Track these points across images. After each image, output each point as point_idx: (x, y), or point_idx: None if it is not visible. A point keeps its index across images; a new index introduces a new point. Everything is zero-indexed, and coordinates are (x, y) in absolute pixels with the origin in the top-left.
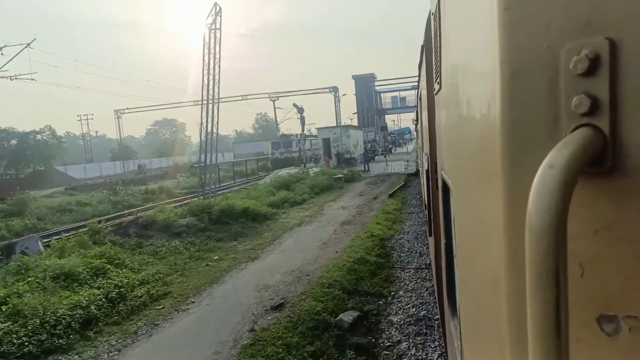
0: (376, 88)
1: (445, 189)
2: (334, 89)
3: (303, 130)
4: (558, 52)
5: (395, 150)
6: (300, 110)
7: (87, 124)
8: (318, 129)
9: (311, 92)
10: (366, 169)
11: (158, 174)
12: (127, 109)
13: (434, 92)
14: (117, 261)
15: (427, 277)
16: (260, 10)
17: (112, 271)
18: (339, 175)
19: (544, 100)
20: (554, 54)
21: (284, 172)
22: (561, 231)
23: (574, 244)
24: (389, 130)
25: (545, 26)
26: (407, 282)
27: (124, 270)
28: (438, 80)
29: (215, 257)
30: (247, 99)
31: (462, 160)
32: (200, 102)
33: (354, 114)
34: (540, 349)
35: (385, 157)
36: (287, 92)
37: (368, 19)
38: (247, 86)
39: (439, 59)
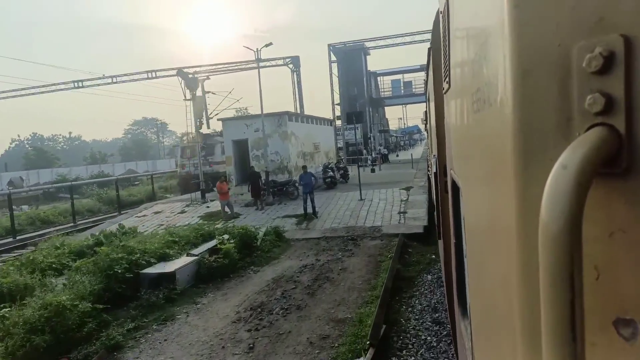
0: (369, 68)
1: (455, 189)
2: (293, 61)
3: (199, 125)
4: (570, 50)
5: (397, 155)
6: (191, 83)
7: None
8: (222, 120)
9: (262, 66)
10: (308, 212)
11: (25, 197)
12: None
13: (443, 91)
14: None
15: None
16: (269, 13)
17: None
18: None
19: (556, 100)
20: (566, 52)
21: (159, 208)
22: (576, 234)
23: (589, 247)
24: (385, 128)
25: (556, 24)
26: None
27: None
28: (447, 79)
29: None
30: (156, 77)
31: (472, 160)
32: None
33: (338, 104)
34: (555, 353)
35: (374, 169)
36: (215, 65)
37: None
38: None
39: (447, 57)
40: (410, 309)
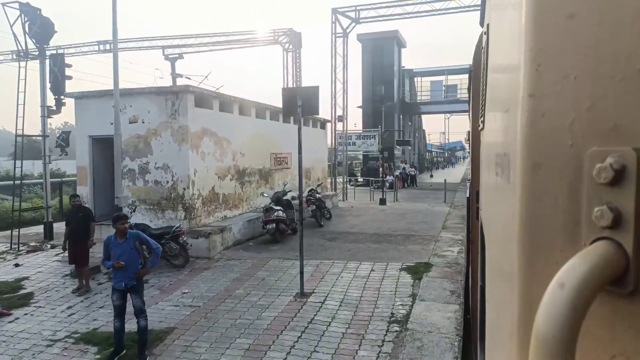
0: (403, 65)
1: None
2: (290, 38)
3: (55, 107)
4: (582, 153)
5: (431, 176)
6: (38, 26)
7: None
8: (75, 97)
9: (246, 42)
10: (124, 344)
11: None
12: None
13: (479, 128)
14: None
15: None
16: None
17: None
18: None
19: (565, 201)
20: (578, 153)
21: None
22: (569, 354)
23: None
24: (406, 139)
25: (570, 122)
26: None
27: None
28: (482, 118)
29: None
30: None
31: (492, 221)
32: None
33: (359, 107)
34: None
35: (385, 200)
36: (197, 35)
37: None
38: None
39: (484, 96)
40: None
